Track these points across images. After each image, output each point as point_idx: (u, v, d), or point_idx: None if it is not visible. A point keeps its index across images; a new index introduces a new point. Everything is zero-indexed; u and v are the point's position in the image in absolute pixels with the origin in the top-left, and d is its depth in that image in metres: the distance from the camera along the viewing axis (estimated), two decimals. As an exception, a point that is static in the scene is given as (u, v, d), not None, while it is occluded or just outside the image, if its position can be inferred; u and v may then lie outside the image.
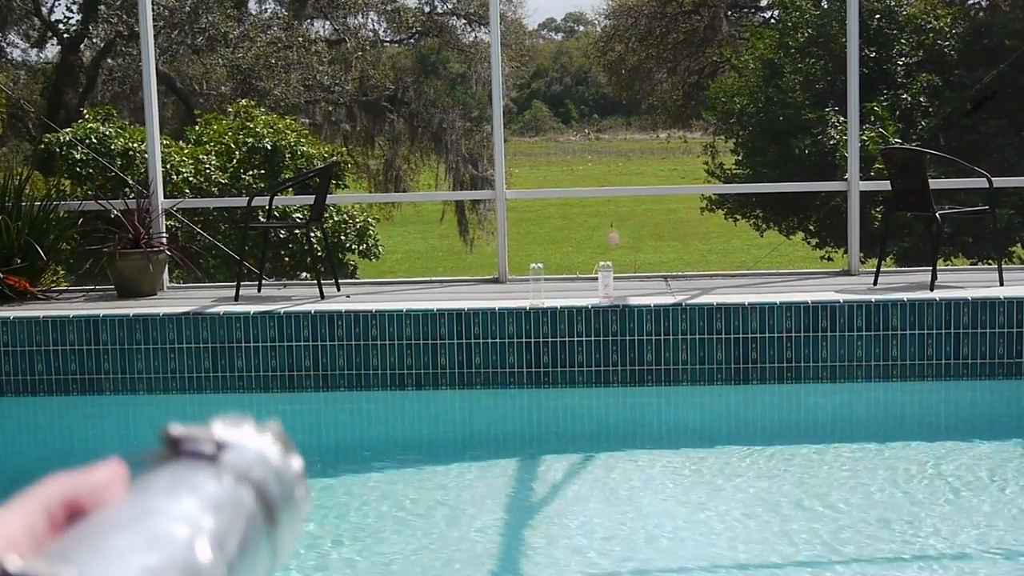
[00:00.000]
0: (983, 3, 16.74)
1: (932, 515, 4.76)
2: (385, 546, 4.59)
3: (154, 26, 8.67)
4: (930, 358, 6.36)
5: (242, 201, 8.54)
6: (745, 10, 22.83)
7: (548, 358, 6.44)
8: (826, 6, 15.53)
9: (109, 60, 19.09)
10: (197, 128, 12.71)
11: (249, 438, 0.48)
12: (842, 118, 13.08)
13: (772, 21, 16.87)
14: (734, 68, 16.99)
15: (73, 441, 6.54)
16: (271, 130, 12.23)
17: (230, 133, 12.22)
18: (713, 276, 7.95)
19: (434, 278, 8.52)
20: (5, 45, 20.01)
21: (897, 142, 13.06)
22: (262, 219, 8.92)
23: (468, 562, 4.46)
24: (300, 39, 19.42)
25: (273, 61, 18.86)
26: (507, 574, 4.45)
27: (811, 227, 15.82)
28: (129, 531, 0.42)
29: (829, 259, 15.55)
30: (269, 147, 12.07)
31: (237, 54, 18.70)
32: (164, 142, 11.11)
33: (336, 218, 12.57)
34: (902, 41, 14.70)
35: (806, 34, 15.13)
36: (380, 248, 13.37)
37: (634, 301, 6.50)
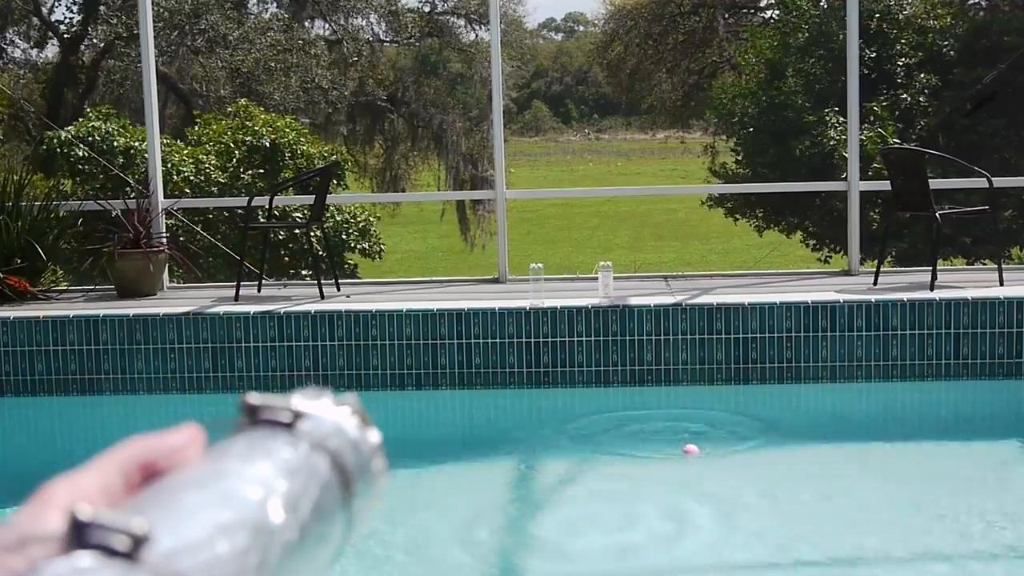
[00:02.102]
0: (983, 3, 16.73)
1: (932, 515, 4.76)
2: (383, 546, 4.59)
3: (154, 27, 8.66)
4: (930, 358, 6.36)
5: (242, 201, 8.54)
6: (744, 11, 22.82)
7: (548, 358, 6.44)
8: (825, 6, 15.51)
9: (110, 60, 19.07)
10: (196, 129, 12.71)
11: (326, 409, 0.49)
12: (841, 118, 13.07)
13: (772, 20, 16.83)
14: (734, 68, 16.98)
15: (73, 441, 6.53)
16: (270, 129, 12.23)
17: (229, 132, 12.22)
18: (713, 276, 7.96)
19: (434, 278, 8.52)
20: (5, 45, 20.00)
21: (896, 142, 13.05)
22: (262, 219, 8.92)
23: (467, 562, 4.46)
24: (300, 41, 19.38)
25: (272, 64, 18.84)
26: (506, 574, 4.45)
27: (810, 228, 15.81)
28: (202, 490, 0.43)
29: (827, 261, 15.53)
30: (268, 145, 12.07)
31: (236, 56, 18.68)
32: (164, 142, 11.11)
33: (338, 217, 12.58)
34: (902, 41, 14.68)
35: (806, 34, 15.10)
36: (382, 246, 13.38)
37: (634, 301, 6.50)
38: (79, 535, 0.40)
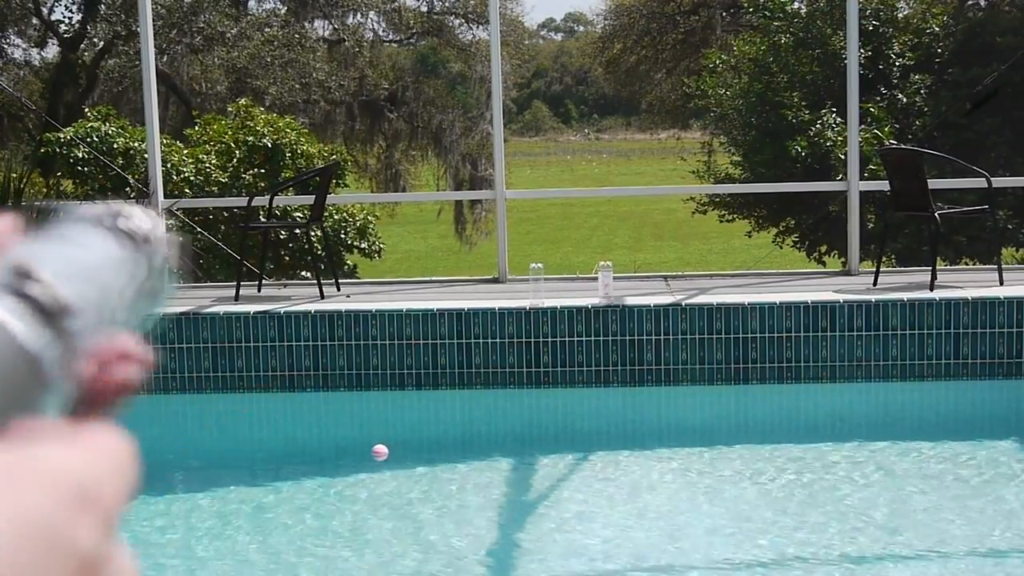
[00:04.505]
0: (981, 2, 16.72)
1: (932, 514, 4.77)
2: (384, 545, 4.59)
3: (152, 25, 8.67)
4: (930, 358, 6.37)
5: (242, 201, 8.54)
6: (743, 10, 22.80)
7: (548, 358, 6.44)
8: (805, 10, 15.31)
9: (109, 60, 19.08)
10: (196, 129, 12.72)
11: (140, 214, 0.51)
12: (839, 119, 13.04)
13: (757, 23, 16.72)
14: (712, 72, 16.93)
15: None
16: (271, 129, 12.23)
17: (230, 132, 12.22)
18: (713, 276, 7.96)
19: (434, 278, 8.53)
20: (6, 46, 20.01)
21: (892, 142, 13.03)
22: (262, 219, 8.93)
23: (468, 561, 4.46)
24: (297, 36, 19.37)
25: (269, 60, 18.82)
26: (506, 573, 4.45)
27: (806, 230, 15.75)
28: (62, 241, 0.45)
29: (822, 263, 15.48)
30: (269, 146, 12.08)
31: (233, 53, 18.68)
32: (164, 142, 11.11)
33: (336, 216, 12.57)
34: (902, 41, 14.66)
35: (793, 36, 14.97)
36: (382, 246, 13.37)
37: (634, 301, 6.50)
38: (12, 282, 0.41)
